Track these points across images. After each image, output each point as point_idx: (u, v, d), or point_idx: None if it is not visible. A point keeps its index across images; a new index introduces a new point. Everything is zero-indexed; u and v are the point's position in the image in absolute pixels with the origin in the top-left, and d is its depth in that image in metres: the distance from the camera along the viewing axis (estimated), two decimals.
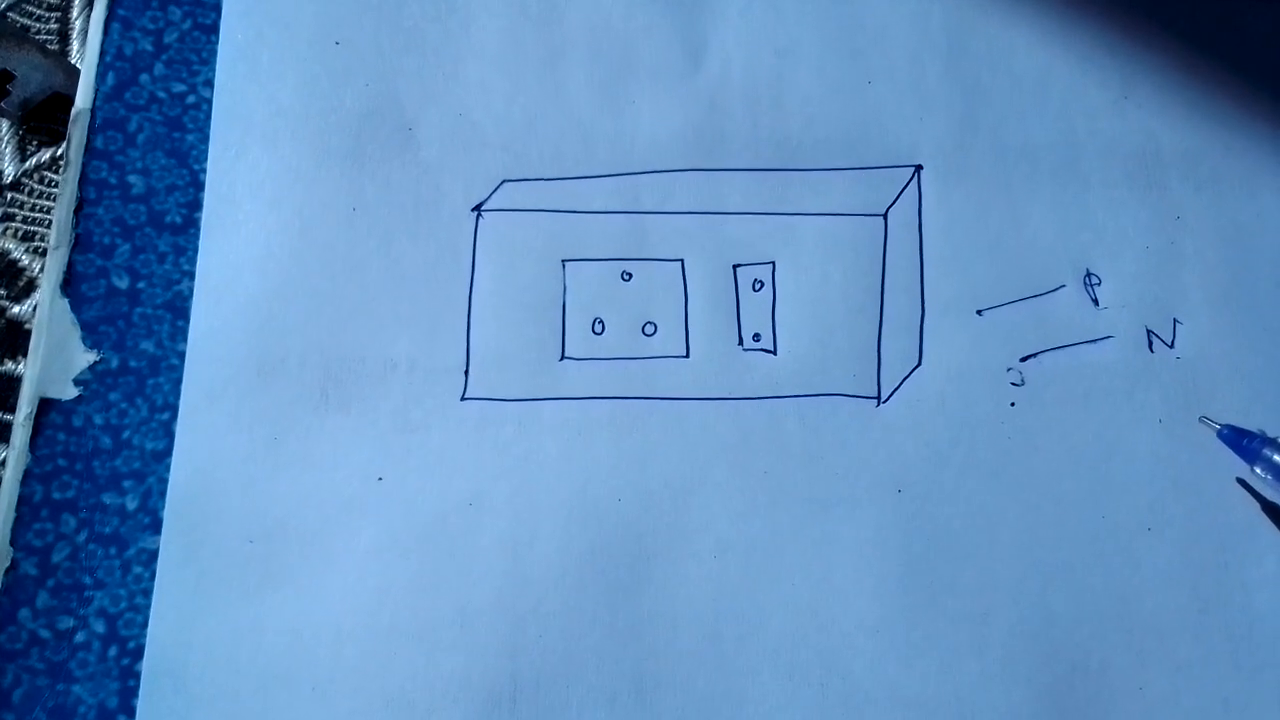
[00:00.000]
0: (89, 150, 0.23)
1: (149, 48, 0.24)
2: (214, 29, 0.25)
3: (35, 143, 0.27)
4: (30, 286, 0.25)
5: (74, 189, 0.23)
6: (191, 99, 0.24)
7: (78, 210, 0.23)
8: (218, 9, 0.25)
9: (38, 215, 0.26)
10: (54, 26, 0.28)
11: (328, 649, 0.21)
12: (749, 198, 0.25)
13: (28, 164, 0.27)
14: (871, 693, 0.22)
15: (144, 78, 0.24)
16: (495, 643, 0.21)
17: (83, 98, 0.24)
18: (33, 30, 0.28)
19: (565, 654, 0.21)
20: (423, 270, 0.24)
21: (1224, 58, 0.26)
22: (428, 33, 0.25)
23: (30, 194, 0.26)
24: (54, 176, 0.27)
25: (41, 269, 0.26)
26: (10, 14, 0.28)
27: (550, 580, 0.22)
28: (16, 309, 0.25)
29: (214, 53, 0.24)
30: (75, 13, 0.29)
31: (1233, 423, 0.23)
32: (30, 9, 0.28)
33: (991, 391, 0.24)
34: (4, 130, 0.27)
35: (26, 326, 0.25)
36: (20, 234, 0.26)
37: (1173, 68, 0.26)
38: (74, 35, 0.28)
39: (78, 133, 0.24)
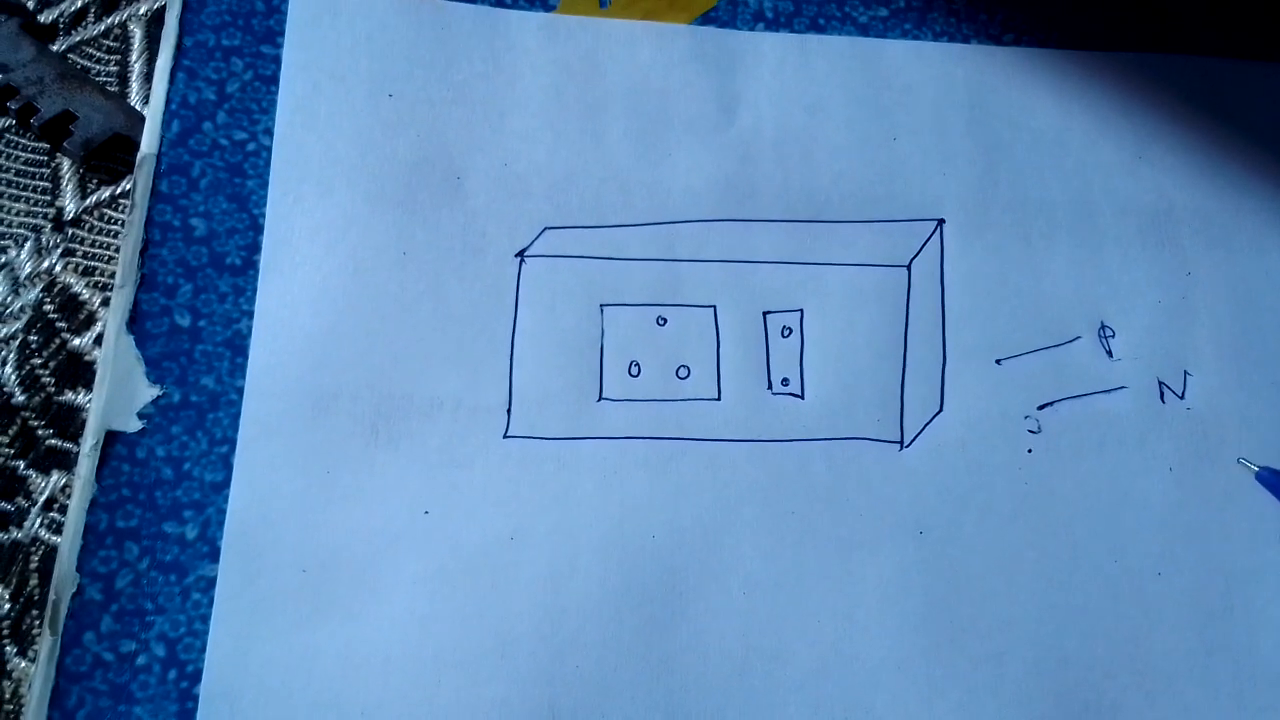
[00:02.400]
0: (154, 194, 0.25)
1: (212, 97, 0.26)
2: (274, 80, 0.26)
3: (95, 181, 0.28)
4: (90, 320, 0.27)
5: (140, 231, 0.24)
6: (252, 146, 0.25)
7: (143, 251, 0.24)
8: (278, 61, 0.26)
9: (98, 251, 0.27)
10: (114, 69, 0.30)
11: (376, 675, 0.22)
12: (779, 248, 0.26)
13: (88, 201, 0.28)
14: None
15: (207, 125, 0.25)
16: (535, 672, 0.22)
17: (148, 143, 0.25)
18: (93, 72, 0.29)
19: (601, 684, 0.22)
20: (468, 313, 0.25)
21: (1234, 121, 0.28)
22: (475, 87, 0.26)
23: (91, 230, 0.28)
24: (114, 214, 0.28)
25: (101, 303, 0.27)
26: (71, 56, 0.30)
27: (588, 613, 0.23)
28: (77, 341, 0.26)
29: (274, 103, 0.26)
30: (134, 56, 0.30)
31: (1241, 471, 0.24)
32: (90, 51, 0.30)
33: (1009, 438, 0.25)
34: (66, 169, 0.28)
35: (86, 358, 0.26)
36: (81, 269, 0.27)
37: (1185, 130, 0.28)
38: (133, 78, 0.30)
39: (143, 177, 0.25)
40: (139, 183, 0.25)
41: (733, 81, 0.27)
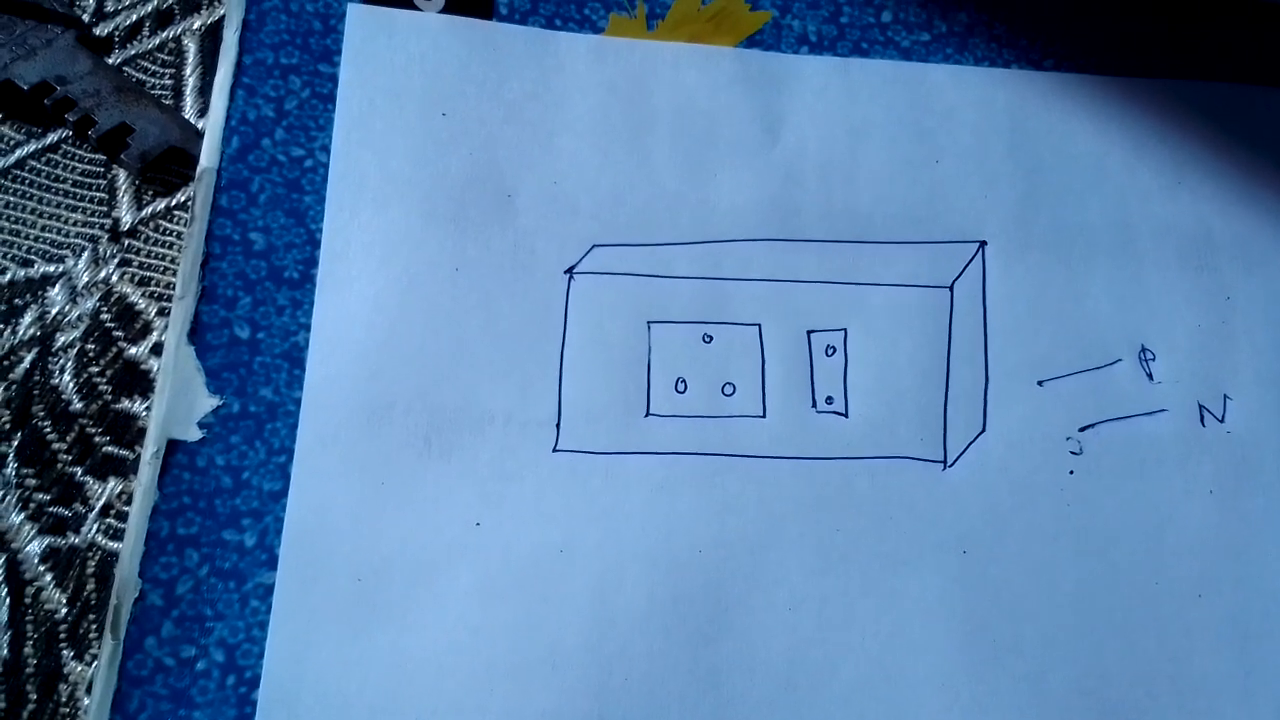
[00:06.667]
0: (214, 208, 0.25)
1: (271, 114, 0.26)
2: (331, 98, 0.27)
3: (150, 193, 0.29)
4: (146, 329, 0.27)
5: (200, 244, 0.25)
6: (309, 163, 0.26)
7: (203, 264, 0.25)
8: (334, 79, 0.27)
9: (153, 261, 0.28)
10: (168, 83, 0.30)
11: (429, 684, 0.22)
12: (822, 267, 0.26)
13: (144, 213, 0.29)
14: None
15: (265, 142, 0.26)
16: (584, 683, 0.23)
17: (208, 158, 0.26)
18: (148, 85, 0.30)
19: (649, 697, 0.23)
20: (519, 328, 0.25)
21: (1273, 148, 0.28)
22: (526, 107, 0.27)
23: (146, 241, 0.28)
24: (169, 225, 0.28)
25: (157, 313, 0.27)
26: (126, 69, 0.30)
27: (636, 626, 0.23)
28: (133, 350, 0.27)
29: (331, 120, 0.26)
30: (189, 70, 0.31)
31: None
32: (145, 64, 0.30)
33: (1051, 459, 0.25)
34: (122, 180, 0.29)
35: (143, 367, 0.27)
36: (137, 279, 0.28)
37: (1224, 156, 0.28)
38: (187, 91, 0.30)
39: (203, 191, 0.25)
40: (199, 197, 0.25)
41: (777, 103, 0.28)
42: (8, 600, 0.24)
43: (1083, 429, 0.25)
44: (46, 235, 0.28)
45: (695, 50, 0.28)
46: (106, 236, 0.28)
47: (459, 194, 0.26)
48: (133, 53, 0.31)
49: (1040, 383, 0.26)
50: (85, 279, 0.28)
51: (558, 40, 0.28)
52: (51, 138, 0.29)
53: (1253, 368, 0.26)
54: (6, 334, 0.27)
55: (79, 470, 0.26)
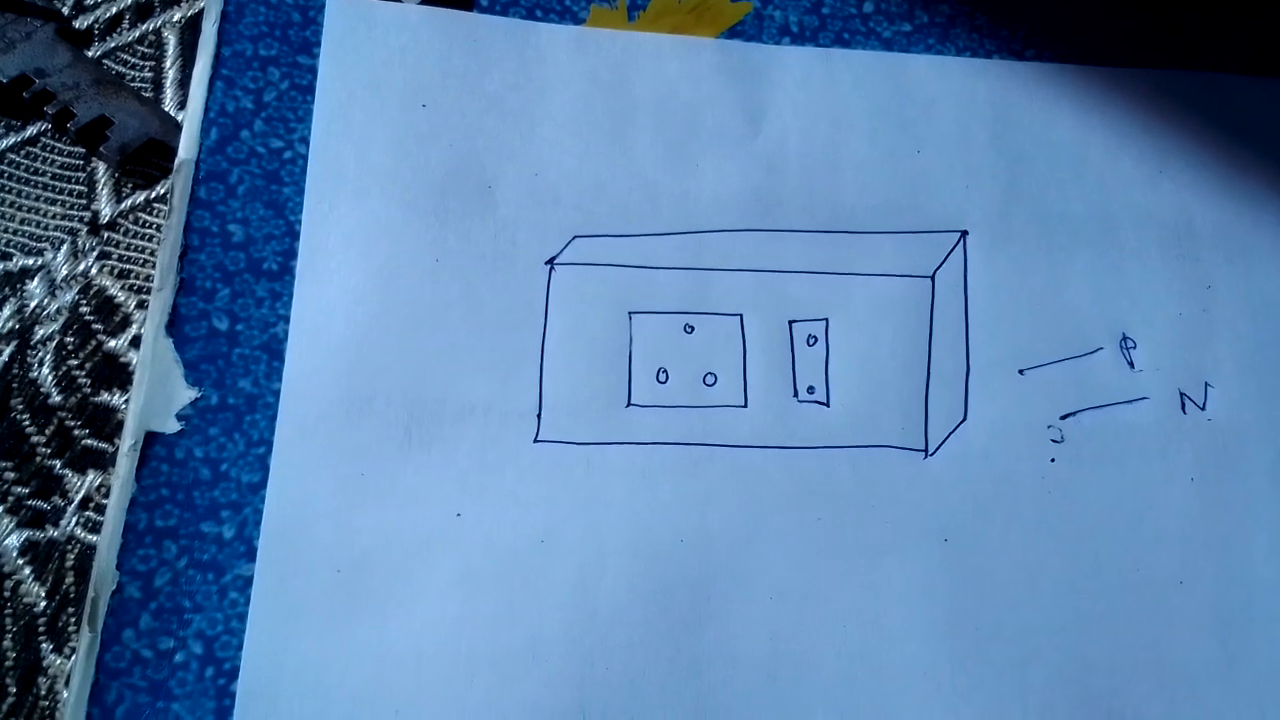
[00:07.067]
0: (193, 200, 0.25)
1: (250, 105, 0.26)
2: (310, 89, 0.26)
3: (130, 185, 0.29)
4: (126, 322, 0.27)
5: (178, 235, 0.25)
6: (288, 154, 0.26)
7: (182, 256, 0.25)
8: (314, 71, 0.27)
9: (132, 254, 0.28)
10: (148, 75, 0.30)
11: (409, 674, 0.22)
12: (804, 258, 0.26)
13: (123, 205, 0.28)
14: None
15: (244, 133, 0.26)
16: (565, 673, 0.23)
17: (187, 150, 0.26)
18: (128, 78, 0.30)
19: (630, 687, 0.23)
20: (499, 319, 0.25)
21: (1254, 137, 0.28)
22: (507, 98, 0.27)
23: (125, 234, 0.28)
24: (148, 218, 0.28)
25: (137, 306, 0.27)
26: (106, 61, 0.30)
27: (617, 616, 0.23)
28: (113, 343, 0.27)
29: (310, 112, 0.26)
30: (169, 62, 0.30)
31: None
32: (125, 57, 0.30)
33: (1033, 447, 0.25)
34: (101, 173, 0.29)
35: (122, 360, 0.27)
36: (116, 271, 0.28)
37: (1205, 146, 0.28)
38: (167, 84, 0.30)
39: (181, 183, 0.25)
40: (177, 189, 0.25)
41: (759, 94, 0.28)
42: None
43: (1064, 417, 0.25)
44: (25, 228, 0.28)
45: (677, 41, 0.28)
46: (86, 229, 0.28)
47: (439, 185, 0.26)
48: (112, 45, 0.30)
49: (1021, 371, 0.26)
50: (64, 272, 0.28)
51: (538, 31, 0.28)
52: (30, 130, 0.29)
53: (1233, 355, 0.26)
54: None
55: (58, 463, 0.26)
